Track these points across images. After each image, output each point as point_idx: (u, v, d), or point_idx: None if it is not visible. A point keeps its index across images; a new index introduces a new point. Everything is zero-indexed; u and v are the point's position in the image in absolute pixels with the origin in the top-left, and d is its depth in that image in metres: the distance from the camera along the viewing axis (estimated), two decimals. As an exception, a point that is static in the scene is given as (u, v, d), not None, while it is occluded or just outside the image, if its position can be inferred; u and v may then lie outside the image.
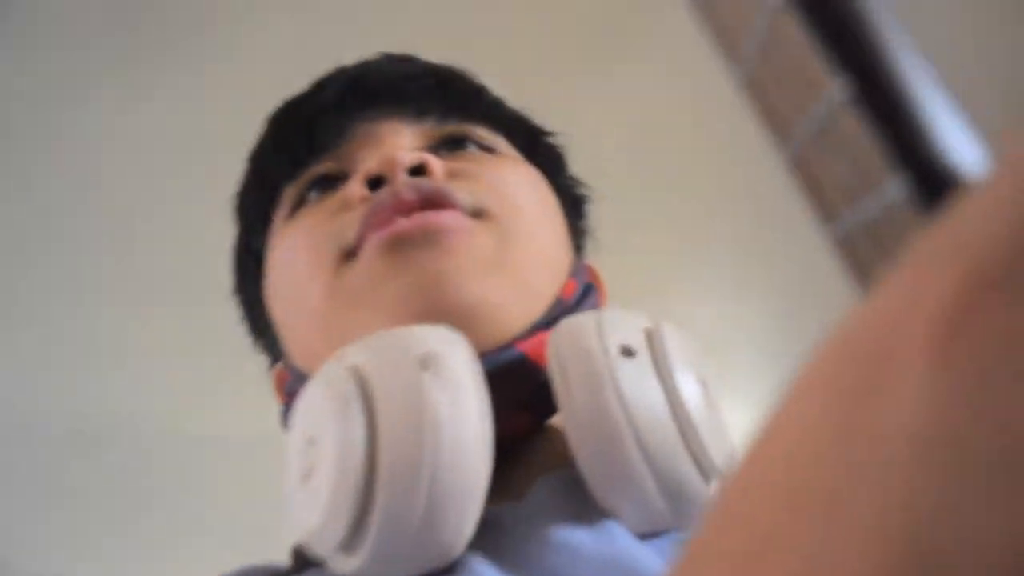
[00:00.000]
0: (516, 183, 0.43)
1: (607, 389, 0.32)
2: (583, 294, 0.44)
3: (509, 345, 0.37)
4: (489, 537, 0.32)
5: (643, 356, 0.34)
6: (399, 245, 0.38)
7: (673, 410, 0.33)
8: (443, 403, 0.29)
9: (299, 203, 0.45)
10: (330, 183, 0.44)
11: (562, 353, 0.34)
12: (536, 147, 0.51)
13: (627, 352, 0.33)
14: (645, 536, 0.33)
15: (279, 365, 0.48)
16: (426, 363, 0.30)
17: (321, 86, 0.48)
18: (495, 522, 0.33)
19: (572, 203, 0.51)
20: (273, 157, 0.48)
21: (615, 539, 0.31)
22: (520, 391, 0.37)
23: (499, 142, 0.47)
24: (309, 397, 0.33)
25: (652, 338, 0.35)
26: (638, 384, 0.33)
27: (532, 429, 0.39)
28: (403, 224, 0.38)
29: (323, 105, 0.46)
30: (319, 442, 0.31)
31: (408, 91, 0.46)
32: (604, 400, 0.32)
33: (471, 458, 0.29)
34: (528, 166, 0.47)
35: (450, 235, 0.38)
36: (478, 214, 0.40)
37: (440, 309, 0.37)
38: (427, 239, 0.38)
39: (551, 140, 0.53)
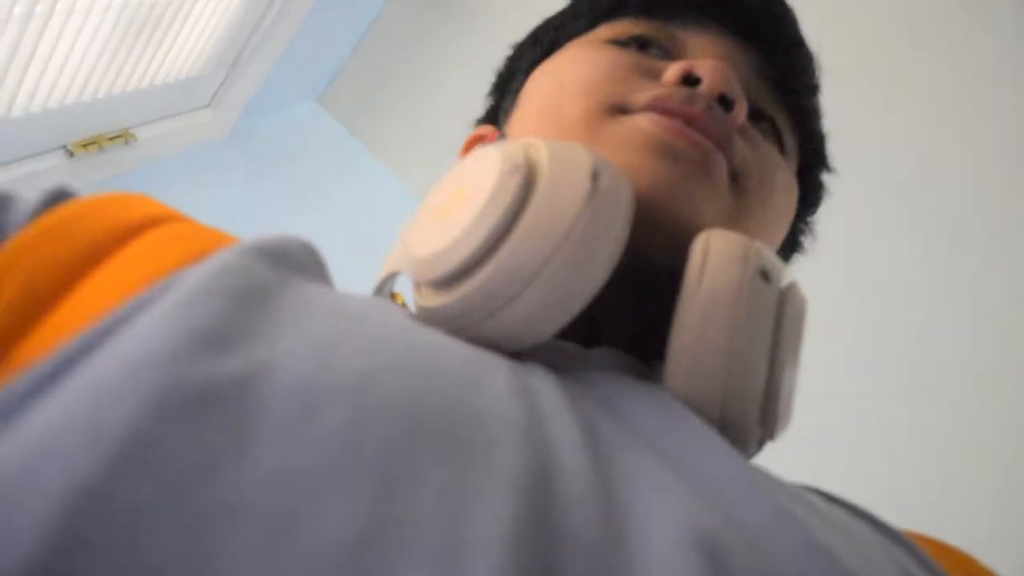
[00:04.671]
0: (781, 188, 0.44)
1: (734, 286, 0.33)
2: None
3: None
4: (554, 360, 0.34)
5: (774, 287, 0.35)
6: (669, 144, 0.38)
7: (774, 337, 0.34)
8: (599, 207, 0.32)
9: (612, 41, 0.46)
10: (648, 45, 0.46)
11: (711, 246, 0.35)
12: (810, 174, 0.51)
13: (765, 276, 0.35)
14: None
15: (489, 128, 0.51)
16: (595, 176, 0.33)
17: None
18: (567, 353, 0.35)
19: (792, 243, 0.53)
20: None
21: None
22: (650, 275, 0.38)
23: (791, 146, 0.48)
24: (480, 158, 0.35)
25: (789, 288, 0.36)
26: (759, 301, 0.34)
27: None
28: (687, 132, 0.39)
29: None
30: (471, 192, 0.33)
31: (770, 37, 0.47)
32: (728, 294, 0.33)
33: (597, 259, 0.31)
34: (795, 182, 0.47)
35: (710, 172, 0.39)
36: (734, 178, 0.41)
37: (657, 207, 0.37)
38: (692, 156, 0.38)
39: (824, 176, 0.53)
